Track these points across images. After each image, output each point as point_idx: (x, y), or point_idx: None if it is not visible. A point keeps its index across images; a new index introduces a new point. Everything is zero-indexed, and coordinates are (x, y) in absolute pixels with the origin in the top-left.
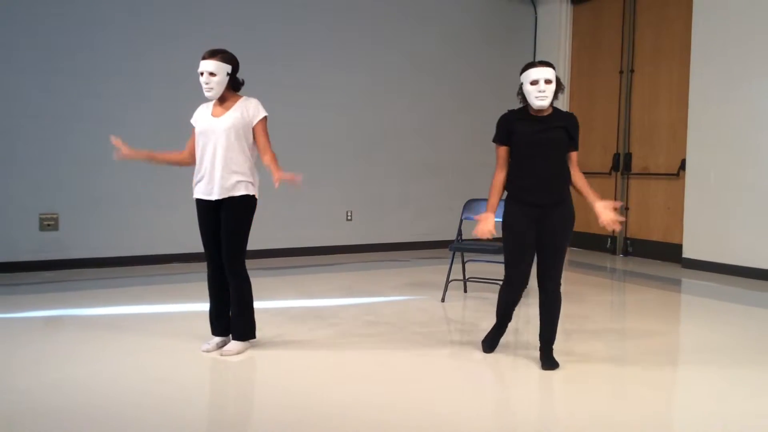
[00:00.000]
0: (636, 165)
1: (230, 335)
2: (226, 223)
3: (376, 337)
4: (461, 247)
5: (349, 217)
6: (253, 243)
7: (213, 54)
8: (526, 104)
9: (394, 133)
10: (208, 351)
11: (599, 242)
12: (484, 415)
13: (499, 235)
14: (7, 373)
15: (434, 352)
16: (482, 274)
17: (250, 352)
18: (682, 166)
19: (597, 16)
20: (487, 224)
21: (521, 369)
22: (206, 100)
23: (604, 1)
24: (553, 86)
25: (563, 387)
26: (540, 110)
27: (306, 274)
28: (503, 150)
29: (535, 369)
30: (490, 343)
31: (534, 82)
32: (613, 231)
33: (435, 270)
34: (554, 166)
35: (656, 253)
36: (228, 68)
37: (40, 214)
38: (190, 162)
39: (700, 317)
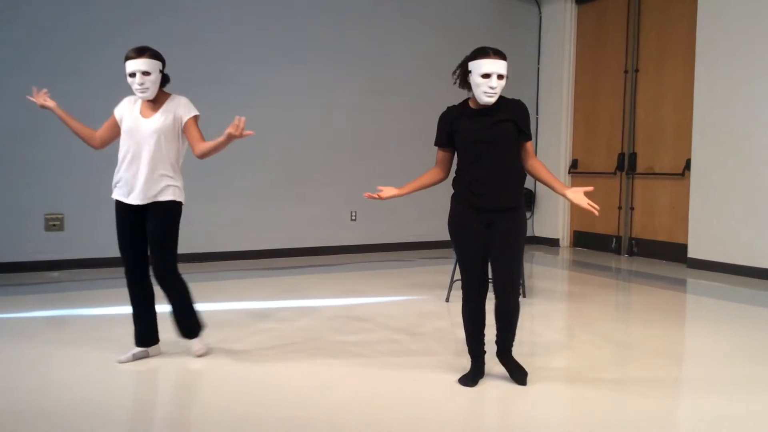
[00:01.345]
0: (641, 165)
1: (152, 347)
2: (153, 231)
3: (378, 339)
4: None
5: (353, 218)
6: (257, 244)
7: (141, 52)
8: (468, 95)
9: (397, 133)
10: (121, 362)
11: (604, 242)
12: (477, 422)
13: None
14: (13, 373)
15: (436, 359)
16: None
17: (238, 356)
18: (687, 166)
19: (602, 16)
20: (384, 192)
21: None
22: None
23: (609, 0)
24: (504, 82)
25: (567, 390)
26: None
27: (310, 274)
28: (442, 154)
29: (532, 377)
30: (470, 382)
31: (486, 76)
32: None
33: (439, 270)
34: (504, 165)
35: (661, 253)
36: (159, 65)
37: (46, 215)
38: (97, 146)
39: (706, 317)
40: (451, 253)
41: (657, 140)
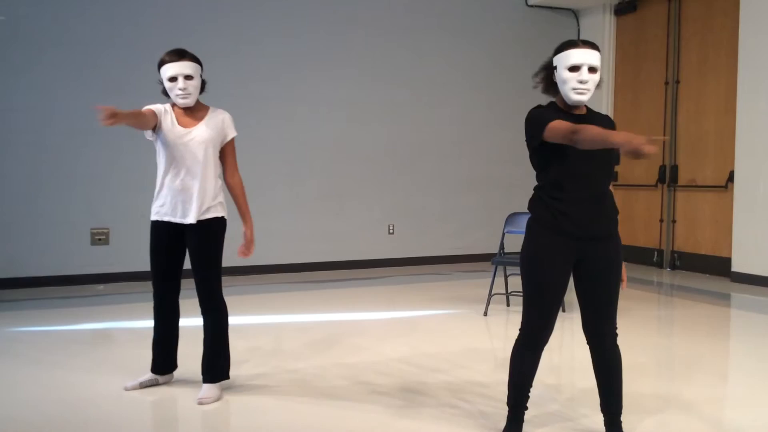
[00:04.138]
0: (683, 177)
1: (164, 375)
2: (198, 253)
3: (411, 357)
4: (504, 260)
5: (391, 231)
6: (296, 257)
7: (182, 54)
8: (554, 97)
9: (435, 147)
10: (128, 389)
11: (646, 255)
12: None
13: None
14: (59, 384)
15: (474, 390)
16: None
17: (260, 390)
18: (731, 177)
19: (641, 27)
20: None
21: None
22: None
23: (648, 11)
24: (597, 77)
25: None
26: (575, 108)
27: (348, 287)
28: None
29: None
30: None
31: (574, 68)
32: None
33: (477, 284)
34: (605, 185)
35: (704, 267)
36: (200, 69)
37: (92, 229)
38: (148, 126)
39: (751, 333)
40: (488, 266)
41: (699, 152)
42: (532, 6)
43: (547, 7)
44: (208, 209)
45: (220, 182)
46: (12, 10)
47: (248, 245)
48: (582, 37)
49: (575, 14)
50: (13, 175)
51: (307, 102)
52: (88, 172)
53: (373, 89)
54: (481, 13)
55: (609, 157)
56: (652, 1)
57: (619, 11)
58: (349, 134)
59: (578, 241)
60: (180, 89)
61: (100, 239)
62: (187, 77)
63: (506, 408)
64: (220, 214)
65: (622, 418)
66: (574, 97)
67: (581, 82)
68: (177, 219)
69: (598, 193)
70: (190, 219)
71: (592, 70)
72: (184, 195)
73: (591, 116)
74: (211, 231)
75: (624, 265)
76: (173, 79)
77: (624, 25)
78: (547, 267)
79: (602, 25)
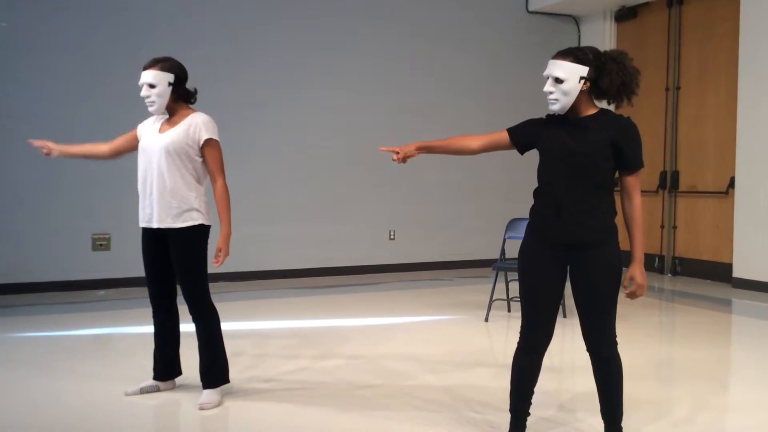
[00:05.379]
0: (684, 183)
1: (166, 381)
2: (177, 260)
3: (412, 362)
4: (505, 266)
5: (392, 237)
6: (296, 263)
7: (153, 63)
8: None
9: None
10: (128, 394)
11: (647, 261)
12: None
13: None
14: (60, 389)
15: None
16: None
17: (261, 396)
18: (731, 183)
19: (641, 34)
20: (404, 148)
21: None
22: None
23: (649, 18)
24: (566, 86)
25: None
26: (571, 112)
27: (349, 293)
28: (498, 135)
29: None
30: None
31: (546, 79)
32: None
33: (478, 289)
34: (586, 192)
35: (705, 273)
36: (169, 77)
37: (93, 234)
38: (107, 155)
39: (752, 339)
40: (489, 272)
41: (700, 158)
42: (532, 12)
43: (548, 14)
44: (181, 217)
45: (194, 187)
46: (15, 17)
47: (215, 253)
48: (583, 44)
49: (576, 21)
50: (15, 181)
51: (308, 108)
52: (90, 178)
53: (373, 96)
54: (481, 19)
55: (583, 163)
56: (652, 8)
57: (620, 18)
58: (349, 140)
59: (563, 248)
60: (144, 97)
61: (101, 245)
62: (150, 86)
63: (508, 414)
64: (196, 222)
65: (623, 423)
66: (549, 106)
67: (547, 92)
68: (147, 224)
69: (572, 203)
70: (154, 224)
71: (557, 80)
72: (150, 200)
73: (596, 121)
74: (187, 239)
75: (644, 274)
76: (141, 86)
77: (624, 32)
78: (533, 268)
79: (603, 31)
